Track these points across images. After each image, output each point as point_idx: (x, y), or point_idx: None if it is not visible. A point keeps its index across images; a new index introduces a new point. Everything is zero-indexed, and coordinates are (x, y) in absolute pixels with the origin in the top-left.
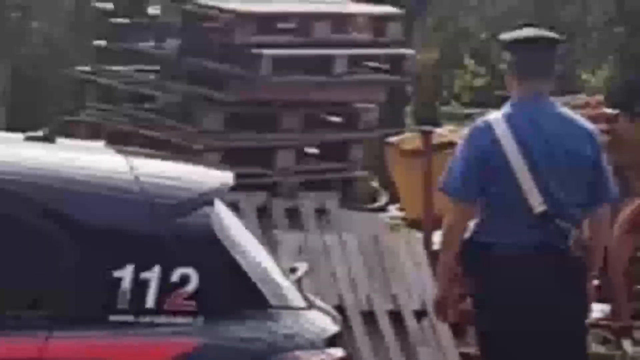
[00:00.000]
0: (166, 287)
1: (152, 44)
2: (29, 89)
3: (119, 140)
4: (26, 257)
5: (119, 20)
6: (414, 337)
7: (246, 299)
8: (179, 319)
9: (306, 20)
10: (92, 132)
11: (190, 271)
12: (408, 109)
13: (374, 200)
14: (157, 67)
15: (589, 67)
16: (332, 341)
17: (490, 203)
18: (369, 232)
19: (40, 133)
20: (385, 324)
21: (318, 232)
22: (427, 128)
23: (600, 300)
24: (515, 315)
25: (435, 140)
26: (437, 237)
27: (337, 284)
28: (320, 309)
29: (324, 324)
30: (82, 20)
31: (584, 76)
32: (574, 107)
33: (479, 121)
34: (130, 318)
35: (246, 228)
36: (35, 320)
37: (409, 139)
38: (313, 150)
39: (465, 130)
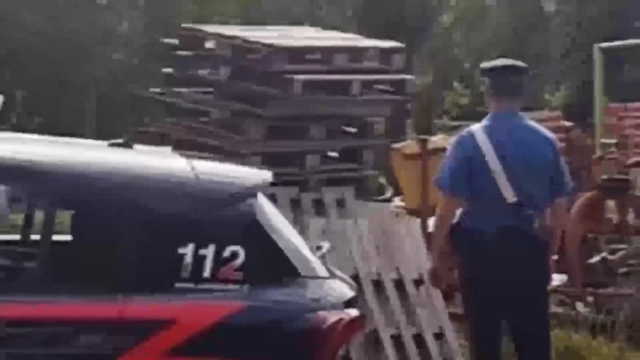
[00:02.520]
0: (219, 261)
1: (207, 71)
2: (112, 106)
3: (182, 146)
4: (112, 237)
5: (182, 52)
6: (413, 301)
7: (281, 270)
8: (229, 286)
9: (328, 52)
10: (161, 140)
11: (238, 248)
12: (408, 122)
13: (382, 193)
14: (212, 89)
15: (550, 89)
16: (349, 304)
17: (473, 195)
18: (378, 218)
19: (120, 140)
20: (390, 290)
21: (338, 218)
22: (423, 137)
23: (559, 271)
24: (492, 283)
25: (430, 146)
26: (431, 222)
27: (353, 259)
28: (339, 278)
29: (343, 290)
30: (153, 52)
31: (546, 96)
32: (538, 120)
33: (464, 131)
34: (191, 285)
35: (281, 215)
36: (116, 287)
37: (409, 145)
38: (334, 154)
39: (453, 139)
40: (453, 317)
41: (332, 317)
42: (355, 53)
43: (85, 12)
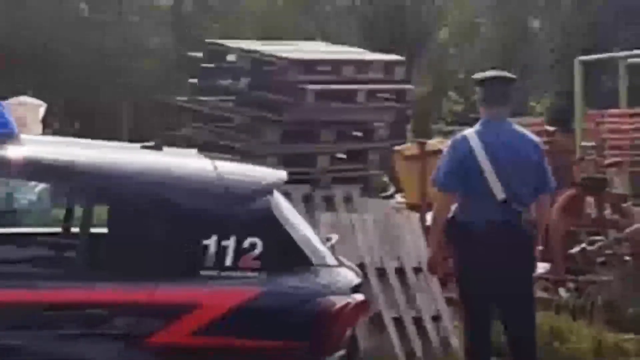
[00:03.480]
0: (239, 251)
1: (229, 81)
2: (144, 112)
3: (206, 149)
4: (143, 230)
5: (207, 64)
6: (413, 287)
7: (295, 259)
8: (248, 274)
9: (337, 64)
10: (188, 143)
11: (256, 240)
12: (408, 126)
13: (385, 190)
14: (233, 98)
15: (535, 97)
16: (355, 289)
17: (466, 192)
18: (381, 213)
19: (151, 143)
20: (392, 277)
21: (345, 213)
22: (421, 140)
23: (543, 260)
24: (483, 271)
25: (428, 148)
26: (429, 216)
27: (359, 249)
28: (346, 266)
29: (350, 277)
30: (181, 64)
31: (532, 104)
32: (525, 126)
33: (459, 135)
34: (214, 273)
35: (295, 210)
36: (148, 274)
37: (409, 147)
38: (342, 156)
39: (448, 142)
40: (448, 301)
41: (340, 301)
42: (361, 65)
43: (120, 29)
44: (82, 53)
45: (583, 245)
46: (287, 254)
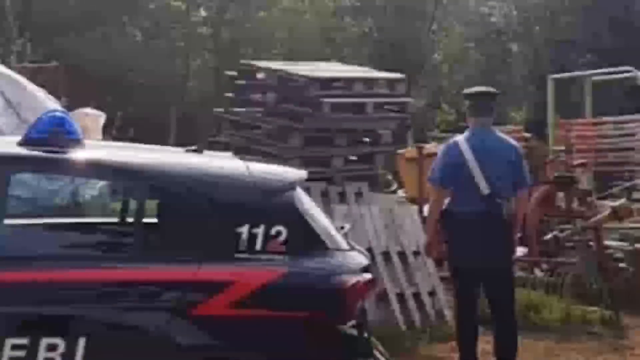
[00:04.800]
0: (267, 237)
1: (259, 95)
2: (188, 122)
3: (239, 152)
4: (187, 220)
5: (241, 81)
6: (413, 267)
7: (313, 244)
8: (275, 257)
9: (349, 81)
10: (224, 148)
11: (281, 228)
12: (409, 133)
13: (389, 186)
14: (262, 109)
15: (515, 109)
16: (365, 269)
17: (457, 188)
18: (386, 205)
19: (194, 147)
20: (395, 259)
21: (356, 205)
22: (419, 145)
23: (521, 245)
24: (471, 253)
25: (425, 152)
26: (425, 208)
27: (367, 235)
28: (357, 250)
29: (360, 259)
30: (219, 81)
31: (512, 114)
32: (506, 133)
33: (450, 141)
34: (246, 255)
35: (314, 203)
36: (192, 257)
37: (409, 151)
38: (353, 158)
39: (442, 146)
40: (442, 279)
41: (351, 279)
42: (369, 82)
43: (168, 53)
44: (136, 72)
45: (554, 232)
46: (307, 239)
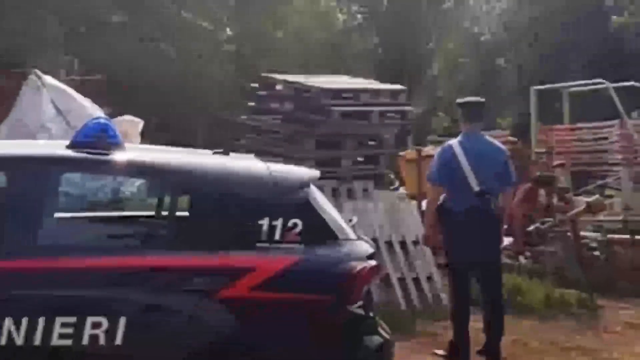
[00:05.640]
0: (285, 229)
1: (277, 104)
2: (215, 128)
3: (260, 154)
4: (215, 214)
5: (260, 92)
6: (413, 255)
7: (325, 235)
8: (292, 245)
9: (357, 92)
10: (246, 150)
11: (297, 220)
12: (409, 137)
13: (392, 184)
14: (280, 116)
15: (502, 116)
16: (371, 257)
17: (451, 186)
18: (389, 201)
19: (220, 150)
20: (397, 248)
21: (363, 201)
22: (418, 147)
23: (507, 236)
24: (464, 243)
25: (423, 153)
26: (424, 203)
27: (372, 227)
28: (364, 240)
29: (366, 247)
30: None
31: (499, 121)
32: (494, 137)
33: (445, 144)
34: (266, 245)
35: (326, 199)
36: (218, 245)
37: (410, 153)
38: (360, 159)
39: (438, 149)
40: (438, 266)
41: (359, 266)
42: (374, 93)
43: (197, 66)
44: (169, 84)
45: (537, 224)
46: (320, 231)
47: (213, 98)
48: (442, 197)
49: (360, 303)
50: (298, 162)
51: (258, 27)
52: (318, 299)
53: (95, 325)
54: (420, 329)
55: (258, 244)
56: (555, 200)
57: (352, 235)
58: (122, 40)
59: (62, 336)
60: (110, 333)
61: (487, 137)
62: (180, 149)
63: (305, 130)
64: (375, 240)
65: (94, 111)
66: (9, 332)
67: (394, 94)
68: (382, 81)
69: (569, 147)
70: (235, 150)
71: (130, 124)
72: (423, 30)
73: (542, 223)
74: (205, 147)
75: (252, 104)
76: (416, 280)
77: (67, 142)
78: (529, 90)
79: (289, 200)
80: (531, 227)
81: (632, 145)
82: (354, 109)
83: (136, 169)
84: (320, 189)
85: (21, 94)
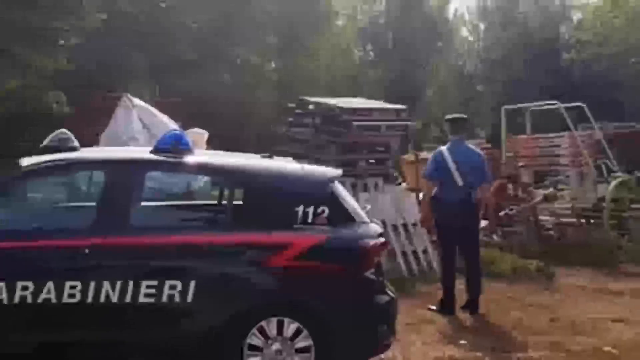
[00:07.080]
0: (315, 214)
1: (310, 119)
2: (261, 138)
3: (296, 158)
4: (263, 203)
5: (297, 110)
6: (412, 234)
7: (346, 219)
8: (321, 227)
9: (369, 110)
10: (286, 155)
11: (325, 208)
12: (409, 145)
13: (396, 180)
14: (312, 129)
15: (481, 127)
16: (380, 235)
17: (441, 181)
18: (395, 193)
19: (266, 154)
20: (400, 228)
21: (375, 193)
22: (416, 152)
23: (484, 219)
24: (451, 225)
25: (420, 157)
26: (421, 195)
27: (382, 213)
28: (375, 222)
29: (377, 228)
30: (283, 110)
31: (478, 132)
32: (474, 144)
33: (437, 150)
34: (301, 226)
35: (346, 191)
36: (266, 226)
37: (409, 156)
38: (372, 161)
39: (432, 153)
40: (432, 242)
41: (372, 242)
42: (383, 111)
43: (247, 90)
44: (227, 104)
45: (506, 211)
46: (342, 215)
47: (260, 116)
48: (434, 190)
49: (372, 270)
50: (325, 163)
51: (295, 61)
52: (341, 268)
53: (172, 287)
54: (417, 290)
55: (295, 226)
56: (520, 192)
57: (366, 219)
58: (193, 72)
59: (146, 295)
60: (183, 293)
61: (469, 145)
62: (235, 154)
63: (330, 140)
64: (383, 222)
65: (170, 125)
66: (107, 293)
67: (398, 112)
68: (389, 102)
69: (530, 153)
70: (277, 155)
71: (198, 135)
72: (420, 64)
73: (510, 209)
74: (254, 153)
75: (291, 119)
76: (415, 253)
77: (151, 149)
78: (501, 110)
79: (318, 192)
80: (502, 213)
81: (578, 151)
82: (368, 123)
83: (203, 169)
84: (342, 183)
85: (116, 112)
